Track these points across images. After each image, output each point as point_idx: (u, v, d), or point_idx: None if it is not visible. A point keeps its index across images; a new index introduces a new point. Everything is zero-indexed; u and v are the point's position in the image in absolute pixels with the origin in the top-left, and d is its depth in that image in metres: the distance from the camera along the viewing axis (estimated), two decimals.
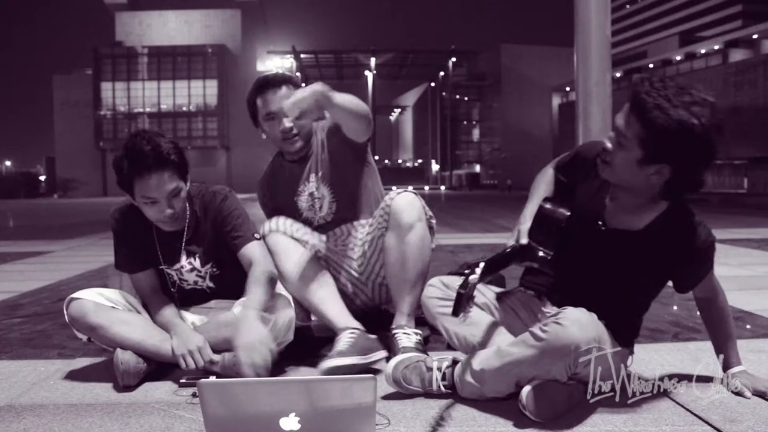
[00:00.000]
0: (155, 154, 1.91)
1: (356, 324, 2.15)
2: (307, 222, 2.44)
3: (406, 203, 2.15)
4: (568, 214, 1.72)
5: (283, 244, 2.25)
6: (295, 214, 2.45)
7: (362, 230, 2.39)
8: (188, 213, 2.12)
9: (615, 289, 1.76)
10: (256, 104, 2.34)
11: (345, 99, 2.07)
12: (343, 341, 2.04)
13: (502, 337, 1.80)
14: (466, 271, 1.63)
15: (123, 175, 1.95)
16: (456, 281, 1.79)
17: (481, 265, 1.63)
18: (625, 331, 1.78)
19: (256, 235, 2.10)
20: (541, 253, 1.70)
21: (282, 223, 2.30)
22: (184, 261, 2.16)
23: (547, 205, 1.77)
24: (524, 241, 1.73)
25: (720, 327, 1.83)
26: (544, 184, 1.95)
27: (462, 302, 1.60)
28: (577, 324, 1.53)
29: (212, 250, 2.15)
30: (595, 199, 1.78)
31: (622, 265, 1.73)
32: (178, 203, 2.01)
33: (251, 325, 1.82)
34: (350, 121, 2.20)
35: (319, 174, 2.40)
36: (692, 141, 1.48)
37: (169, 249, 2.14)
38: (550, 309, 1.86)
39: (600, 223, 1.75)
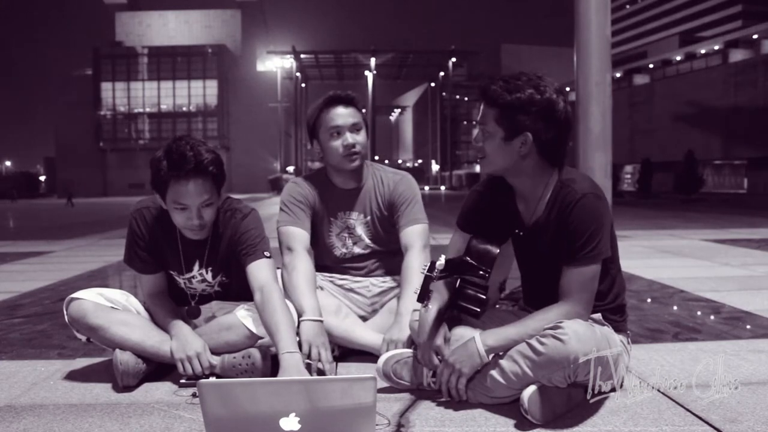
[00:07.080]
0: (197, 161, 1.88)
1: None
2: (324, 247, 2.43)
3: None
4: (497, 251, 1.80)
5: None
6: (320, 231, 2.42)
7: (376, 284, 2.42)
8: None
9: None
10: (320, 118, 2.28)
11: None
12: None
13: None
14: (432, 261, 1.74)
15: (160, 175, 1.91)
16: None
17: (443, 257, 1.73)
18: (611, 317, 1.80)
19: (266, 254, 2.05)
20: (481, 271, 1.77)
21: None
22: (195, 272, 2.14)
23: (474, 242, 1.86)
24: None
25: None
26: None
27: (428, 285, 1.70)
28: (575, 337, 1.54)
29: (224, 265, 2.13)
30: (507, 213, 1.86)
31: (552, 250, 1.76)
32: (208, 214, 1.98)
33: (301, 373, 1.71)
34: None
35: (367, 218, 2.39)
36: (533, 106, 1.67)
37: (187, 257, 2.12)
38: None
39: (517, 231, 1.85)
